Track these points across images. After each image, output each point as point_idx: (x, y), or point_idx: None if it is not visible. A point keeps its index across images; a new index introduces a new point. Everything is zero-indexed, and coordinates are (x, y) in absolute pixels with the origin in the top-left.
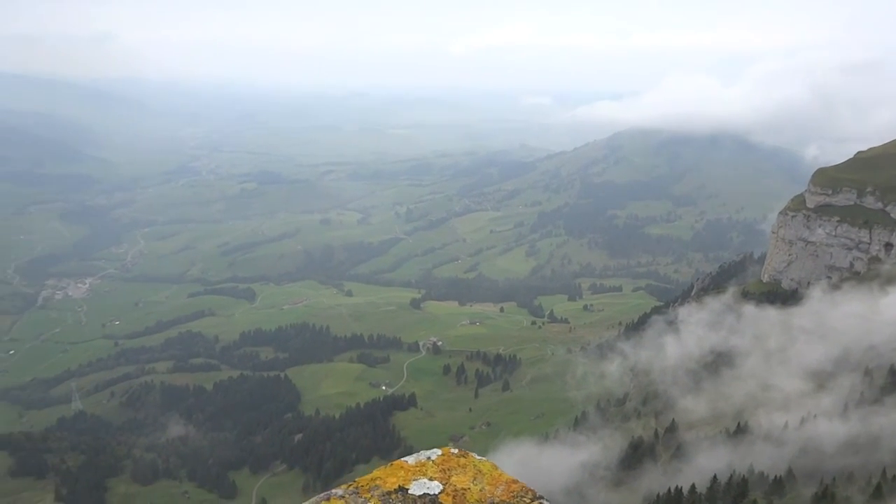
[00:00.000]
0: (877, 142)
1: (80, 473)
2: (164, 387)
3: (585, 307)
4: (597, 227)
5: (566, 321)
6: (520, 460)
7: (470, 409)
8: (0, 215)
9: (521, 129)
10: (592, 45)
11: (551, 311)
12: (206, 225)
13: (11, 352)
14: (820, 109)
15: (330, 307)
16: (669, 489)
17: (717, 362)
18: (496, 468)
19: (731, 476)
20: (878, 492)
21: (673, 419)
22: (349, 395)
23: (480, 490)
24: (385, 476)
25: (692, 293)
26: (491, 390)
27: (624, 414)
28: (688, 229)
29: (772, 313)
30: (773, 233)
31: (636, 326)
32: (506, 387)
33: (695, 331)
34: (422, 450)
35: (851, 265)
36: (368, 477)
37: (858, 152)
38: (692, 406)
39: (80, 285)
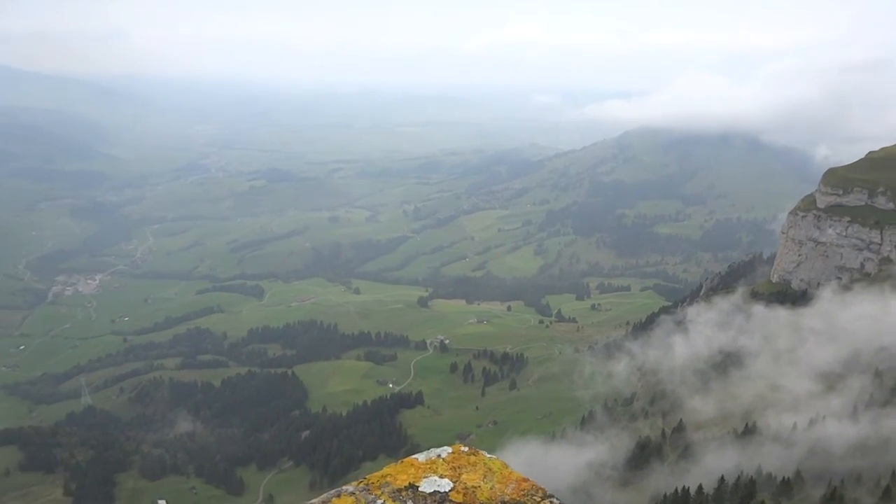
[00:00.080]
0: (888, 142)
1: (88, 468)
2: (172, 383)
3: (593, 306)
4: (605, 226)
5: (574, 320)
6: (526, 459)
7: (477, 408)
8: (11, 211)
9: (530, 127)
10: (602, 43)
11: (559, 310)
12: (215, 222)
13: (22, 347)
14: (831, 109)
15: (338, 304)
16: (676, 489)
17: (726, 362)
18: (506, 466)
19: (739, 477)
20: (886, 494)
21: (681, 419)
22: (356, 392)
23: (491, 488)
24: (395, 473)
25: (701, 293)
26: (498, 389)
27: (631, 413)
28: (697, 229)
29: (781, 314)
30: (783, 233)
31: (644, 326)
32: (513, 385)
33: (703, 331)
34: (429, 448)
35: (862, 266)
36: (379, 474)
37: (870, 152)
38: (700, 406)
39: (89, 281)
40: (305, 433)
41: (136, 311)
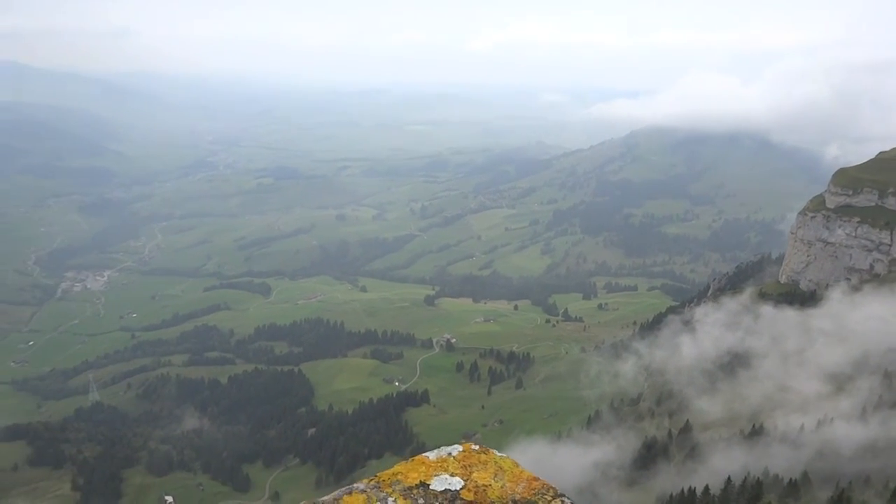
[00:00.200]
0: None
1: (96, 464)
2: (179, 379)
3: (600, 306)
4: (613, 225)
5: (580, 320)
6: (533, 458)
7: (483, 407)
8: (20, 207)
9: (537, 126)
10: (610, 42)
11: (566, 310)
12: (222, 219)
13: (31, 342)
14: (841, 109)
15: (344, 303)
16: (683, 490)
17: (734, 363)
18: (517, 465)
19: (746, 478)
20: (895, 497)
21: (687, 420)
22: (362, 390)
23: (501, 487)
24: (406, 471)
25: (708, 293)
26: (504, 388)
27: (638, 414)
28: (705, 229)
29: (790, 314)
30: (792, 233)
31: (651, 326)
32: (519, 385)
33: (711, 331)
34: (434, 446)
35: (871, 267)
36: (390, 472)
37: (880, 152)
38: (707, 407)
39: (98, 278)
40: (312, 431)
41: (143, 308)
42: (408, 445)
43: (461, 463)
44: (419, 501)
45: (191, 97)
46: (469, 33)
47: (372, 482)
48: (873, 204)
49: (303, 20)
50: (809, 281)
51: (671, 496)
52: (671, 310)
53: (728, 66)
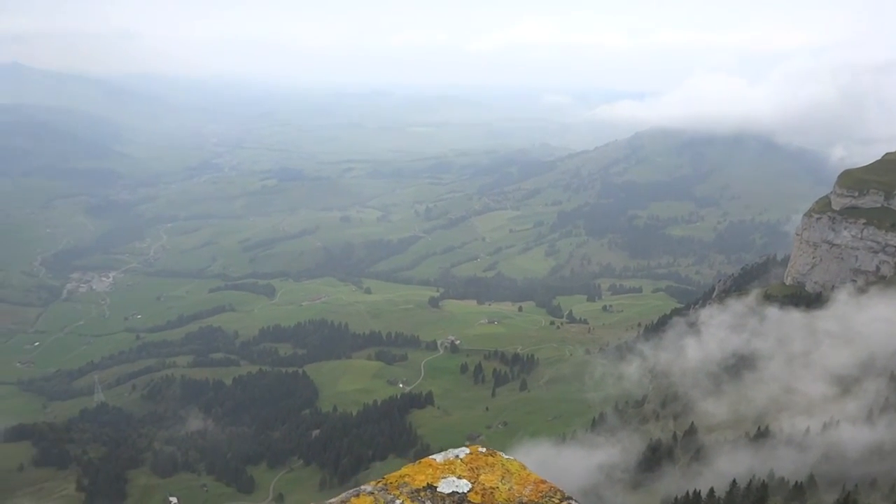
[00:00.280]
0: None
1: (101, 464)
2: (184, 381)
3: (605, 308)
4: (617, 227)
5: (585, 322)
6: (537, 460)
7: (487, 409)
8: (27, 209)
9: (541, 127)
10: (614, 43)
11: (570, 312)
12: (227, 221)
13: (37, 343)
14: (846, 110)
15: (348, 304)
16: (688, 492)
17: (739, 365)
18: (524, 468)
19: (751, 480)
20: None
21: (692, 422)
22: (366, 392)
23: (509, 489)
24: (414, 473)
25: (713, 295)
26: (508, 390)
27: (642, 416)
28: (710, 230)
29: (795, 316)
30: (797, 235)
31: (656, 328)
32: (523, 387)
33: (716, 333)
34: (438, 448)
35: (878, 269)
36: (397, 474)
37: (886, 154)
38: (712, 409)
39: (103, 279)
40: (316, 432)
41: (148, 309)
42: (412, 447)
43: (468, 465)
44: None
45: (195, 99)
46: (472, 34)
47: (379, 484)
48: (879, 205)
49: (306, 22)
50: (815, 283)
51: (676, 499)
52: (676, 312)
53: (733, 68)
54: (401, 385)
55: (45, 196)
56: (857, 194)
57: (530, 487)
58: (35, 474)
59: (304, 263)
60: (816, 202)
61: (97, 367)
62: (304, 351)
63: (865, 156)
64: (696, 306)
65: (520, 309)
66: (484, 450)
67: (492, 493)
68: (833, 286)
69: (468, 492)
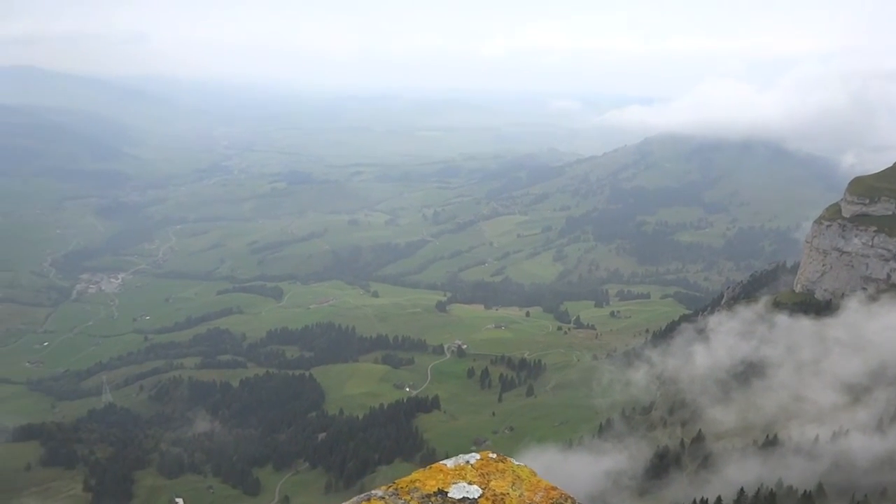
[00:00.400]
0: None
1: (108, 465)
2: (191, 382)
3: (612, 314)
4: (626, 232)
5: (592, 327)
6: (544, 466)
7: (493, 414)
8: (37, 210)
9: (550, 132)
10: (623, 49)
11: (577, 317)
12: (236, 223)
13: (46, 343)
14: (857, 116)
15: (356, 307)
16: (695, 500)
17: (748, 372)
18: (534, 474)
19: (760, 489)
20: None
21: (700, 429)
22: (373, 395)
23: (519, 495)
24: (424, 479)
25: (722, 302)
26: (515, 395)
27: (650, 422)
28: (719, 237)
29: (805, 324)
30: (807, 242)
31: (664, 334)
32: (530, 392)
33: (725, 340)
34: (444, 452)
35: (888, 277)
36: (408, 479)
37: None
38: (721, 416)
39: (112, 280)
40: (322, 435)
41: (157, 311)
42: (418, 451)
43: (479, 471)
44: None
45: (205, 101)
46: (482, 39)
47: (390, 489)
48: (890, 213)
49: (316, 26)
50: (825, 290)
51: None
52: (684, 318)
53: (742, 74)
54: (407, 389)
55: (55, 197)
56: (867, 202)
57: (541, 494)
58: (42, 474)
59: (311, 266)
60: (826, 209)
61: (105, 368)
62: (311, 354)
63: (876, 163)
64: (705, 313)
65: (527, 314)
66: (494, 455)
67: (502, 499)
68: (843, 294)
69: (479, 497)
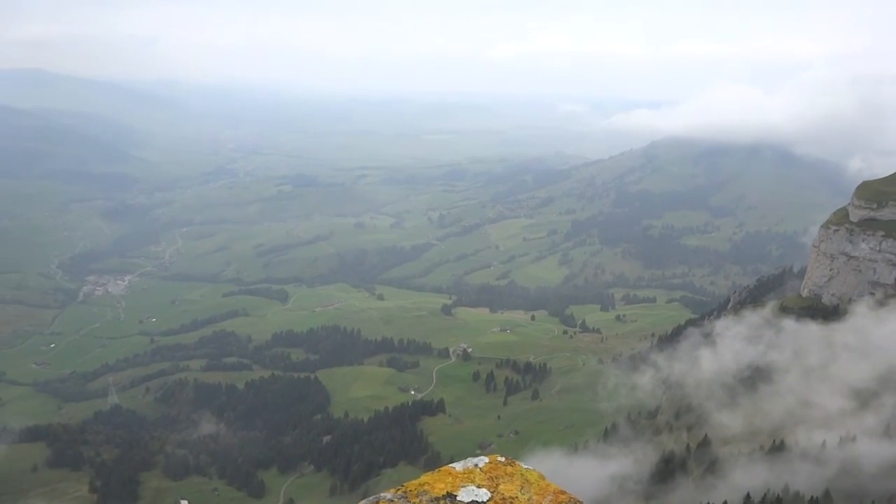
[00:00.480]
0: None
1: (114, 466)
2: (197, 384)
3: (618, 318)
4: (632, 236)
5: (598, 331)
6: (549, 470)
7: (498, 417)
8: (45, 212)
9: (556, 136)
10: (630, 52)
11: (583, 321)
12: (242, 226)
13: (52, 345)
14: (865, 120)
15: (361, 310)
16: None
17: (754, 377)
18: (543, 478)
19: (766, 494)
20: None
21: (706, 434)
22: (378, 398)
23: (528, 499)
24: (433, 482)
25: (729, 306)
26: (520, 399)
27: (655, 427)
28: (725, 241)
29: (812, 329)
30: (814, 246)
31: (670, 338)
32: (535, 396)
33: (731, 344)
34: (449, 455)
35: None
36: (417, 482)
37: None
38: (727, 421)
39: (119, 282)
40: (327, 438)
41: (163, 313)
42: (423, 455)
43: (488, 475)
44: None
45: (212, 104)
46: (489, 42)
47: (399, 492)
48: None
49: (323, 29)
50: (832, 295)
51: None
52: (690, 322)
53: (750, 78)
54: (412, 392)
55: (62, 199)
56: (875, 206)
57: (549, 498)
58: (49, 475)
59: (317, 269)
60: (834, 213)
61: (112, 370)
62: (316, 356)
63: (884, 167)
64: (711, 317)
65: (532, 317)
66: (503, 459)
67: (511, 502)
68: (850, 299)
69: (487, 501)
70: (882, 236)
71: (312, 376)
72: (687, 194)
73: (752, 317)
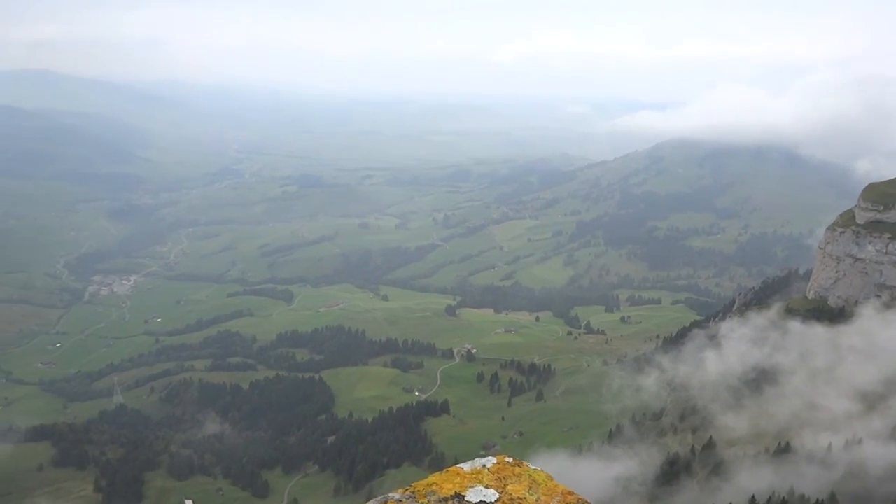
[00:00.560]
0: None
1: (119, 466)
2: (201, 384)
3: (623, 319)
4: (636, 238)
5: (603, 332)
6: (553, 471)
7: (503, 418)
8: (53, 212)
9: (561, 137)
10: (635, 54)
11: (588, 322)
12: (247, 226)
13: (58, 345)
14: (872, 122)
15: (366, 311)
16: None
17: (760, 379)
18: (551, 479)
19: (771, 497)
20: None
21: (711, 436)
22: (382, 399)
23: (536, 500)
24: (441, 482)
25: (734, 308)
26: (524, 400)
27: (660, 429)
28: (731, 243)
29: (818, 331)
30: (820, 248)
31: (675, 340)
32: (539, 397)
33: (737, 346)
34: (453, 456)
35: None
36: (425, 482)
37: None
38: (732, 423)
39: (124, 282)
40: (331, 438)
41: (168, 313)
42: (427, 455)
43: (495, 475)
44: None
45: (217, 105)
46: (493, 44)
47: (407, 492)
48: None
49: (328, 30)
50: (838, 297)
51: None
52: (695, 324)
53: (755, 79)
54: (416, 393)
55: (69, 200)
56: (882, 208)
57: (558, 499)
58: (54, 474)
59: (322, 269)
60: (840, 215)
61: (117, 370)
62: (320, 357)
63: (891, 169)
64: (717, 319)
65: (537, 319)
66: (511, 460)
67: (519, 503)
68: (857, 301)
69: (495, 501)
70: (888, 238)
71: (317, 377)
72: (692, 196)
73: (758, 319)
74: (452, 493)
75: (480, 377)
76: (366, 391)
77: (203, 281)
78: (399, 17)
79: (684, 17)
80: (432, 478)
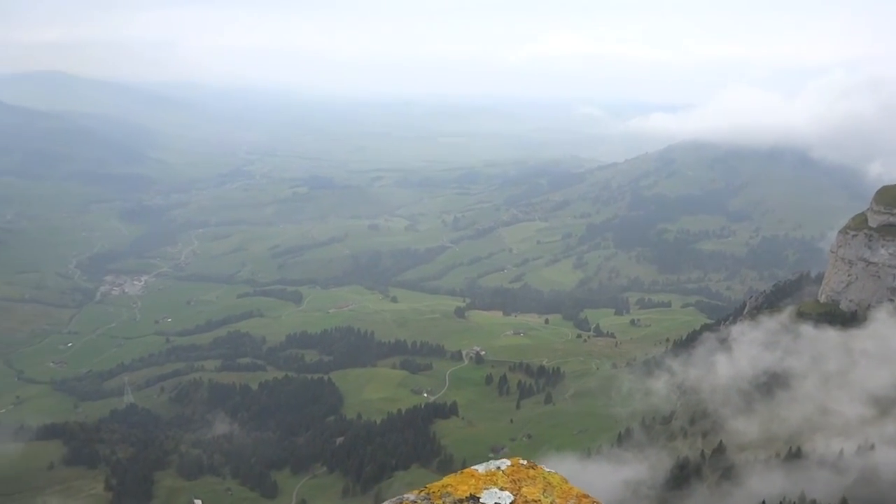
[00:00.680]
0: None
1: (129, 465)
2: (211, 384)
3: (632, 322)
4: (647, 240)
5: (612, 335)
6: (562, 474)
7: (511, 421)
8: (65, 213)
9: (571, 139)
10: (647, 56)
11: (597, 325)
12: (257, 227)
13: (70, 344)
14: (885, 124)
15: (375, 312)
16: None
17: (771, 383)
18: (566, 481)
19: (782, 502)
20: None
21: (721, 440)
22: (391, 400)
23: (551, 502)
24: (456, 483)
25: (745, 311)
26: (533, 402)
27: (670, 433)
28: (742, 245)
29: (831, 335)
30: (833, 252)
31: (685, 343)
32: (548, 399)
33: (748, 350)
34: (462, 458)
35: None
36: (439, 483)
37: None
38: (743, 427)
39: (135, 282)
40: (340, 439)
41: (178, 313)
42: (435, 457)
43: (510, 477)
44: None
45: (228, 107)
46: (505, 45)
47: (422, 493)
48: None
49: (339, 32)
50: (850, 301)
51: None
52: (706, 327)
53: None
54: (425, 395)
55: (81, 200)
56: (895, 211)
57: (572, 501)
58: (65, 473)
59: (331, 271)
60: (852, 219)
61: (127, 369)
62: (329, 358)
63: None
64: (727, 322)
65: (546, 321)
66: (525, 462)
67: None
68: (869, 305)
69: (510, 503)
70: None
71: (326, 378)
72: (703, 198)
73: (769, 322)
74: (467, 494)
75: (489, 379)
76: (374, 393)
77: (213, 282)
78: (409, 19)
79: (696, 18)
80: (447, 479)
